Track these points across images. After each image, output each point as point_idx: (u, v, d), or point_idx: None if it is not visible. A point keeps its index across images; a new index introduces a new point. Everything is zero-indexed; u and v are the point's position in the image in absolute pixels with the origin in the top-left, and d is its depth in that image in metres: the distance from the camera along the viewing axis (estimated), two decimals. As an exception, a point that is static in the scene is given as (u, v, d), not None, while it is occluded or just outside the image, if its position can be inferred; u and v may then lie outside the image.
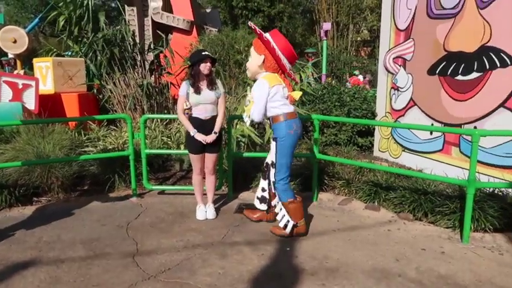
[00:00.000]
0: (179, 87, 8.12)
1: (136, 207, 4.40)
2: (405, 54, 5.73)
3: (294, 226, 3.53)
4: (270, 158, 3.71)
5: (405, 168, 5.34)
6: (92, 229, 3.80)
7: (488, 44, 4.37)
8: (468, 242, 3.46)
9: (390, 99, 6.10)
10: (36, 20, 12.18)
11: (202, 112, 3.82)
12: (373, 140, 6.54)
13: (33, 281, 2.85)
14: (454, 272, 2.97)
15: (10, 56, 12.15)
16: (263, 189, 3.87)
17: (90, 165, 5.07)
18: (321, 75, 9.64)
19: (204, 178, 4.10)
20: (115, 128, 6.54)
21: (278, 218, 3.64)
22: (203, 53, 3.75)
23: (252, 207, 4.06)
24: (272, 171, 3.63)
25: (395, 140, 5.96)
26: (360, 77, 15.62)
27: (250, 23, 3.56)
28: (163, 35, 7.88)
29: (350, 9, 19.71)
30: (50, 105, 6.43)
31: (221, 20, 15.92)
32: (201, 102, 3.77)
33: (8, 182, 4.40)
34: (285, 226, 3.56)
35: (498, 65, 4.27)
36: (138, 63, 7.70)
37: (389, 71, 6.10)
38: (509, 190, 3.88)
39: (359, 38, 21.05)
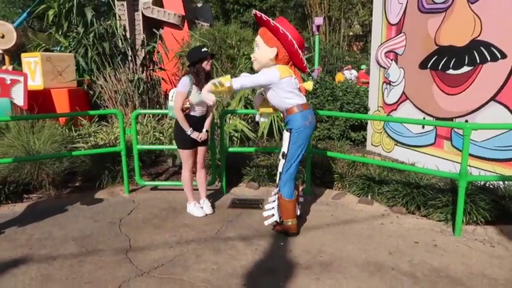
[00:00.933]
0: (170, 82, 8.13)
1: (129, 203, 4.37)
2: (397, 48, 5.75)
3: (278, 223, 3.53)
4: (282, 149, 3.51)
5: (398, 162, 5.36)
6: (84, 226, 3.77)
7: (479, 38, 4.39)
8: (460, 234, 3.49)
9: (383, 94, 6.11)
10: (25, 14, 11.99)
11: (199, 110, 3.81)
12: (366, 134, 6.56)
13: (24, 279, 2.82)
14: (447, 265, 3.00)
15: (-2, 51, 11.96)
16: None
17: (81, 162, 5.02)
18: (314, 69, 9.63)
19: (194, 174, 4.08)
20: (106, 123, 6.48)
21: (267, 207, 3.63)
22: (203, 50, 3.68)
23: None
24: (282, 161, 3.47)
25: (387, 134, 5.98)
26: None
27: (254, 11, 3.38)
28: (158, 32, 7.79)
29: (341, 3, 19.66)
30: (40, 101, 6.34)
31: (212, 15, 15.82)
32: (203, 100, 3.70)
33: (-2, 179, 4.34)
34: (268, 217, 3.56)
35: (488, 59, 4.29)
36: (129, 58, 7.63)
37: (381, 65, 6.11)
38: (500, 183, 3.93)
39: (351, 33, 21.03)
